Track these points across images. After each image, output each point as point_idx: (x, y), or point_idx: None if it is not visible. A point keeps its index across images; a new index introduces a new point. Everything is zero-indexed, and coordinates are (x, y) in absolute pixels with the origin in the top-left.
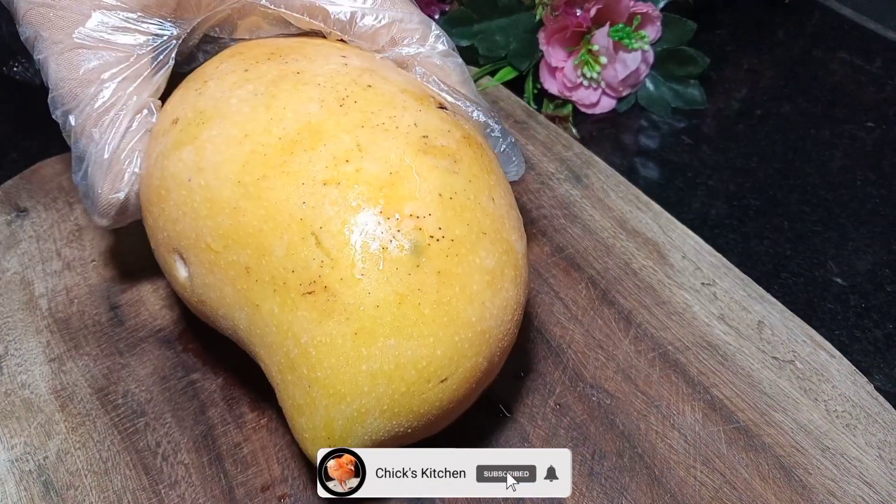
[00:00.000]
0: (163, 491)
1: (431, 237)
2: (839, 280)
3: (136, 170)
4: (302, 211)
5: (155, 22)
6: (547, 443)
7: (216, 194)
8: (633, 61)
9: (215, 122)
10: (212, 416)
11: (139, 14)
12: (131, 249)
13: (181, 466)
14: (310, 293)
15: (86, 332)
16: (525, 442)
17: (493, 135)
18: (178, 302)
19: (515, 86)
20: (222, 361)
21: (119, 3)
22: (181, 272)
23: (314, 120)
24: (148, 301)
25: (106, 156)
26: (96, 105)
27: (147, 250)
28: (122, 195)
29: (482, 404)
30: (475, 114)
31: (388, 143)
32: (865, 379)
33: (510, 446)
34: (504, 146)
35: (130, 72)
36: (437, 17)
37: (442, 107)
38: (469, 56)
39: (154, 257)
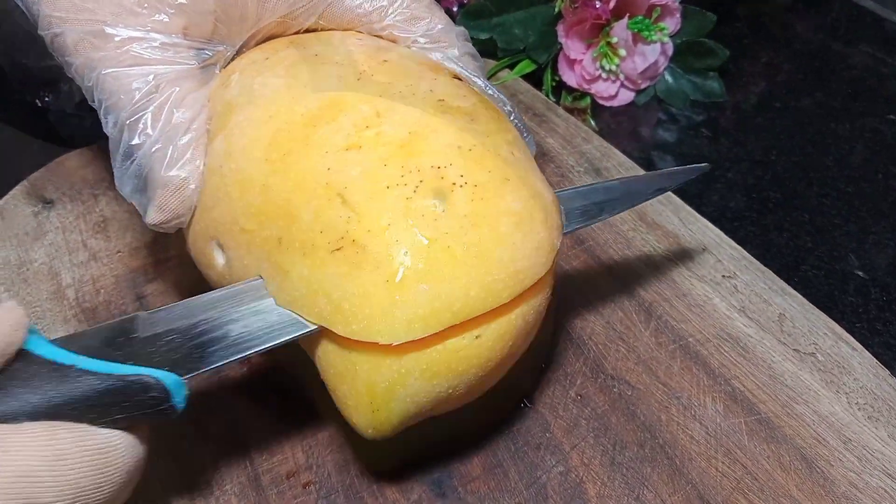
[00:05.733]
0: (190, 477)
1: (454, 184)
2: (860, 273)
3: (197, 162)
4: (327, 176)
5: (197, 43)
6: (568, 433)
7: (246, 175)
8: (653, 53)
9: (241, 109)
10: (238, 404)
11: (182, 36)
12: (156, 240)
13: (208, 454)
14: (338, 249)
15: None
16: (546, 432)
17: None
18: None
19: (534, 79)
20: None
21: (163, 27)
22: (219, 260)
23: (334, 94)
24: (173, 291)
25: (168, 146)
26: (154, 105)
27: (172, 240)
28: (183, 173)
29: (504, 395)
30: (490, 90)
31: (406, 108)
32: (888, 371)
33: (531, 436)
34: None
35: (186, 80)
36: (455, 9)
37: (457, 78)
38: (488, 49)
39: (183, 251)
